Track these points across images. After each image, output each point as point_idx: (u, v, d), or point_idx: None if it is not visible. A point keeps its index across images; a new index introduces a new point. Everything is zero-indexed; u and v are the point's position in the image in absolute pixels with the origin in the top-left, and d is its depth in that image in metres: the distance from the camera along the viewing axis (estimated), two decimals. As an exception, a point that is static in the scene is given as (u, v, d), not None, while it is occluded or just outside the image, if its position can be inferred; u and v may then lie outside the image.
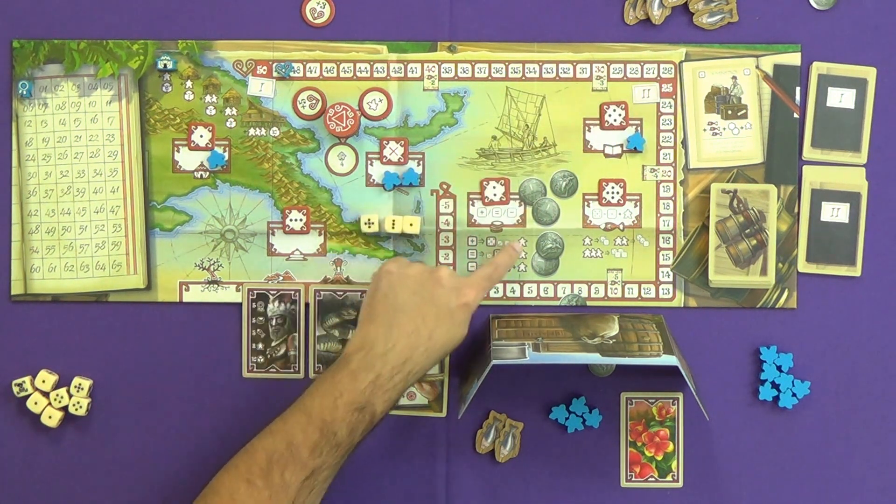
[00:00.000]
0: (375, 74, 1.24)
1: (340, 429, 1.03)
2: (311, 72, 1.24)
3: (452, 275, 1.11)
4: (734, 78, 1.23)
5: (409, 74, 1.24)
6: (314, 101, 1.24)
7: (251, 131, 1.24)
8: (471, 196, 1.23)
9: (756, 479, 1.22)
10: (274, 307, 1.23)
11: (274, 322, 1.23)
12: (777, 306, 1.22)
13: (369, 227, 1.22)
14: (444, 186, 1.24)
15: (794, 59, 1.22)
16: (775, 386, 1.21)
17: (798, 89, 1.22)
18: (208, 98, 1.24)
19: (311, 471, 1.02)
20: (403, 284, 1.09)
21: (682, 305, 1.23)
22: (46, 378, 1.22)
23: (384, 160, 1.24)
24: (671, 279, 1.23)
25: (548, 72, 1.23)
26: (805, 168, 1.22)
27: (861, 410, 1.21)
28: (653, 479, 1.22)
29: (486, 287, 1.13)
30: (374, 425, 1.06)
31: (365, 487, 1.22)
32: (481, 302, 1.12)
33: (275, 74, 1.24)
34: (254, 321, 1.23)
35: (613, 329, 1.15)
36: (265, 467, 1.01)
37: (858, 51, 1.22)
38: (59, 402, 1.22)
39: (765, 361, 1.21)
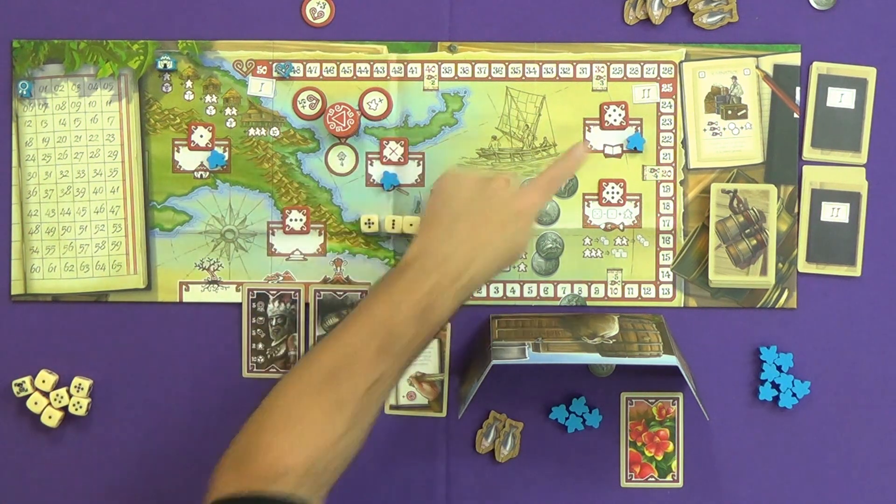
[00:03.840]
0: (375, 74, 1.24)
1: (402, 336, 1.00)
2: (311, 72, 1.24)
3: (510, 183, 1.07)
4: (734, 78, 1.23)
5: (409, 74, 1.24)
6: (314, 101, 1.24)
7: (251, 131, 1.24)
8: (471, 196, 1.23)
9: (756, 479, 1.22)
10: (274, 307, 1.23)
11: (274, 322, 1.23)
12: (777, 306, 1.22)
13: (369, 227, 1.22)
14: (444, 186, 1.24)
15: (794, 59, 1.22)
16: (775, 386, 1.21)
17: (798, 89, 1.22)
18: (208, 98, 1.24)
19: (372, 381, 0.98)
20: (460, 192, 1.07)
21: (682, 305, 1.23)
22: (46, 378, 1.22)
23: (384, 160, 1.24)
24: (671, 279, 1.23)
25: (548, 72, 1.23)
26: (805, 168, 1.22)
27: (861, 410, 1.22)
28: (653, 479, 1.22)
29: (547, 191, 1.09)
30: (434, 334, 1.03)
31: (365, 487, 1.22)
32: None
33: (275, 74, 1.24)
34: (254, 321, 1.23)
35: (613, 329, 1.15)
36: (331, 379, 0.97)
37: (858, 51, 1.22)
38: (59, 402, 1.22)
39: (765, 361, 1.21)
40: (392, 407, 1.23)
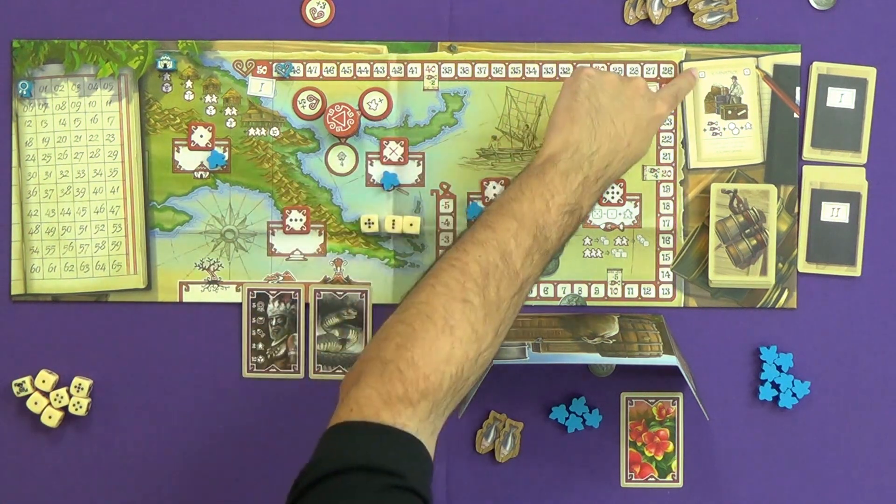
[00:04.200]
0: (375, 74, 1.24)
1: (552, 233, 0.96)
2: (311, 72, 1.24)
3: (647, 85, 1.10)
4: (734, 78, 1.23)
5: (409, 74, 1.24)
6: (314, 101, 1.24)
7: (251, 131, 1.24)
8: (471, 196, 1.23)
9: (756, 479, 1.22)
10: (274, 307, 1.23)
11: (274, 322, 1.23)
12: (777, 306, 1.22)
13: (369, 227, 1.22)
14: (444, 186, 1.24)
15: (794, 59, 1.22)
16: (775, 386, 1.21)
17: (798, 89, 1.22)
18: (208, 98, 1.24)
19: (520, 284, 0.94)
20: (604, 88, 1.06)
21: (682, 305, 1.23)
22: (46, 378, 1.22)
23: (384, 160, 1.24)
24: (671, 279, 1.23)
25: (548, 72, 1.23)
26: (805, 168, 1.22)
27: (861, 410, 1.21)
28: (653, 479, 1.22)
29: (673, 104, 1.13)
30: (575, 231, 1.01)
31: (365, 487, 1.22)
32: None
33: (275, 74, 1.24)
34: (254, 321, 1.23)
35: (613, 329, 1.15)
36: (481, 283, 0.91)
37: (858, 51, 1.22)
38: (59, 402, 1.22)
39: (765, 361, 1.21)
40: (392, 407, 1.23)
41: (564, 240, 1.00)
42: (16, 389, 1.22)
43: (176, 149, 1.24)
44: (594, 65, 1.22)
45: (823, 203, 1.22)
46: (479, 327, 0.91)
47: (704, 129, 1.23)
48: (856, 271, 1.22)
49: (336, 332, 1.23)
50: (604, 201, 1.23)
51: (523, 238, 0.95)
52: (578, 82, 1.07)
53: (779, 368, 1.21)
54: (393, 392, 0.87)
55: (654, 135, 1.09)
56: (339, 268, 1.24)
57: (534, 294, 1.23)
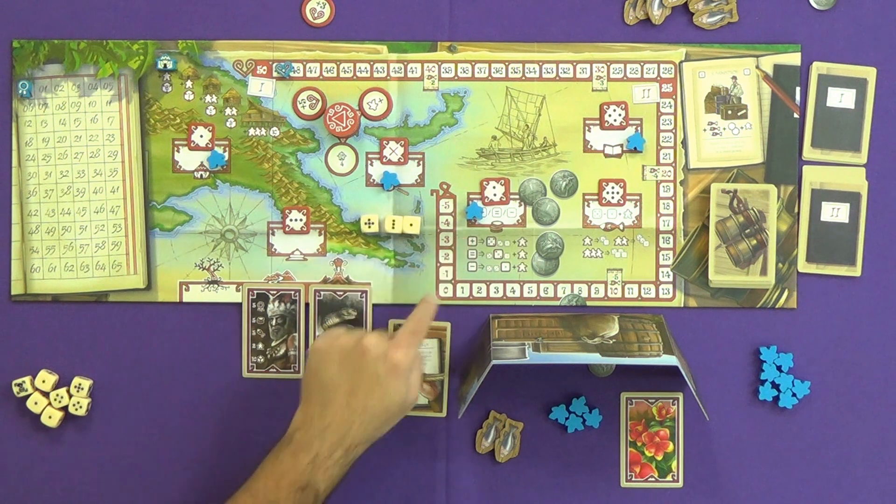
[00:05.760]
0: (375, 74, 1.24)
1: None
2: (311, 72, 1.24)
3: (379, 340, 1.08)
4: (734, 78, 1.23)
5: (409, 74, 1.24)
6: (314, 101, 1.24)
7: (251, 131, 1.24)
8: (471, 196, 1.23)
9: (756, 479, 1.22)
10: (274, 307, 1.23)
11: (274, 322, 1.23)
12: (777, 306, 1.22)
13: (369, 227, 1.22)
14: (444, 186, 1.24)
15: (794, 59, 1.22)
16: (775, 386, 1.21)
17: (798, 89, 1.22)
18: (208, 98, 1.24)
19: None
20: (330, 360, 1.08)
21: (682, 305, 1.23)
22: (46, 378, 1.22)
23: (384, 160, 1.24)
24: (671, 279, 1.23)
25: (548, 72, 1.23)
26: (805, 168, 1.22)
27: (861, 410, 1.22)
28: (653, 479, 1.22)
29: (414, 343, 1.09)
30: (319, 502, 1.05)
31: (365, 487, 1.22)
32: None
33: (275, 74, 1.24)
34: (254, 321, 1.23)
35: (613, 329, 1.15)
36: None
37: (858, 51, 1.22)
38: (59, 402, 1.22)
39: (765, 361, 1.21)
40: (392, 407, 1.23)
41: None
42: (16, 389, 1.22)
43: (176, 149, 1.24)
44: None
45: (823, 203, 1.22)
46: None
47: (704, 129, 1.23)
48: (856, 271, 1.22)
49: (336, 332, 1.23)
50: (604, 201, 1.23)
51: None
52: (309, 360, 1.10)
53: (779, 368, 1.21)
54: None
55: (405, 382, 1.07)
56: (339, 268, 1.24)
57: (534, 294, 1.23)
